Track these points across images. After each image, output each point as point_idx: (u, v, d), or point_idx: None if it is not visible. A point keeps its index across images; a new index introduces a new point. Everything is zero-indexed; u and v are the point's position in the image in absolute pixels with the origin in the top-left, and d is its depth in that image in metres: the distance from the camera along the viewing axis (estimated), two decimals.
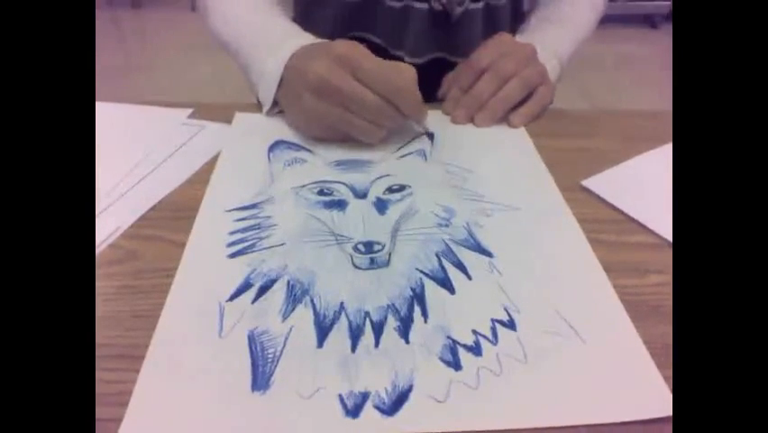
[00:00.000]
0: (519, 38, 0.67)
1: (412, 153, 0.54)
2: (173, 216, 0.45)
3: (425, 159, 0.53)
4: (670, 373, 0.33)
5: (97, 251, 0.42)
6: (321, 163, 0.52)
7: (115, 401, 0.32)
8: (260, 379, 0.33)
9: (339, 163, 0.52)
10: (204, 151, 0.54)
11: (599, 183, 0.50)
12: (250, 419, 0.31)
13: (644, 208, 0.47)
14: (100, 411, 0.30)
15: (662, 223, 0.45)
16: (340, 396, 0.32)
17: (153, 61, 2.60)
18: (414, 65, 0.51)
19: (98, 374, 0.32)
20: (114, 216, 0.45)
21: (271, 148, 0.54)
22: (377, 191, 0.47)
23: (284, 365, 0.34)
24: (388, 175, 0.50)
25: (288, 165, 0.52)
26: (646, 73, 2.56)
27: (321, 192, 0.47)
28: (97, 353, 0.34)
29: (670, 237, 0.44)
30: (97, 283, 0.39)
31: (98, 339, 0.35)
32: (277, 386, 0.32)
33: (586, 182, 0.50)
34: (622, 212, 0.47)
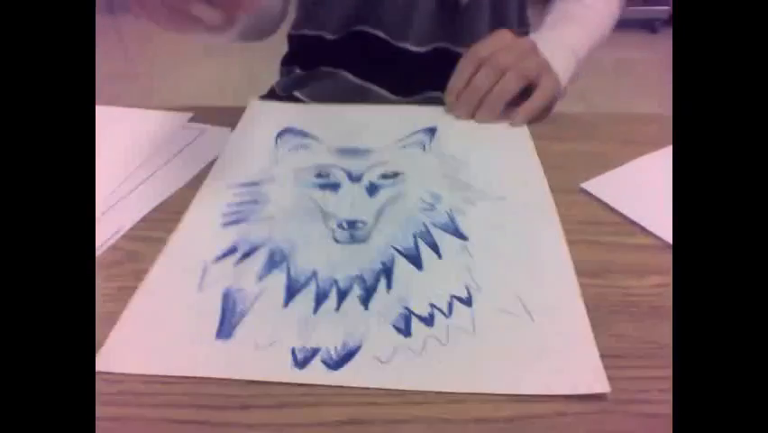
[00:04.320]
0: (535, 35, 0.67)
1: (412, 144, 0.56)
2: (173, 219, 0.45)
3: (424, 149, 0.55)
4: (670, 373, 0.33)
5: (98, 252, 0.42)
6: (324, 150, 0.54)
7: (115, 401, 0.32)
8: (225, 328, 0.36)
9: (341, 151, 0.54)
10: (204, 154, 0.54)
11: (599, 186, 0.50)
12: (209, 361, 0.34)
13: (644, 211, 0.47)
14: (100, 411, 0.31)
15: (662, 225, 0.45)
16: (292, 349, 0.35)
17: (153, 66, 2.60)
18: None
19: (98, 374, 0.32)
20: (114, 218, 0.46)
21: (280, 134, 0.57)
22: (371, 176, 0.50)
23: (249, 319, 0.37)
24: (385, 162, 0.52)
25: (291, 150, 0.54)
26: (646, 78, 2.56)
27: (318, 174, 0.50)
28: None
29: (669, 239, 0.44)
30: (98, 284, 0.39)
31: (98, 340, 0.35)
32: (238, 336, 0.36)
33: (585, 185, 0.50)
34: (621, 214, 0.47)
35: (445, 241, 0.43)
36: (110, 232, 0.44)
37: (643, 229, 0.45)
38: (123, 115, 0.60)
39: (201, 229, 0.45)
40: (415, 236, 0.44)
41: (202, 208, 0.47)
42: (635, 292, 0.39)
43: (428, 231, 0.44)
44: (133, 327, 0.36)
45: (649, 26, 3.19)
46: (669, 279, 0.41)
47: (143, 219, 0.46)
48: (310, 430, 0.31)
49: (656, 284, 0.40)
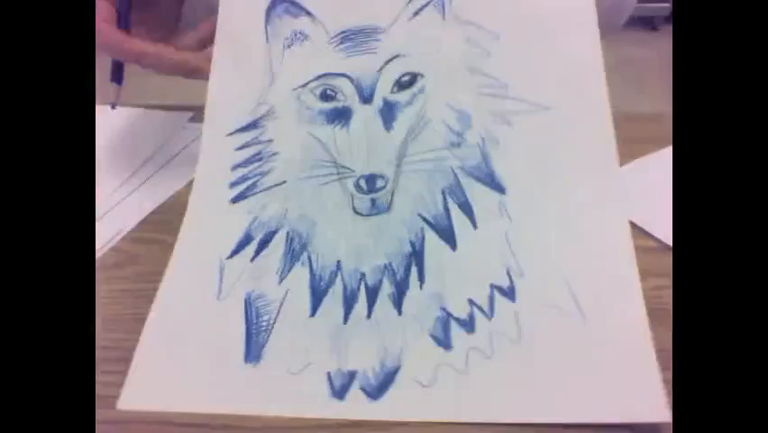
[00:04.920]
0: None
1: (428, 6, 0.42)
2: (174, 220, 0.45)
3: (443, 15, 0.42)
4: (670, 375, 0.33)
5: (98, 254, 0.42)
6: (324, 39, 0.43)
7: (115, 404, 0.32)
8: (253, 350, 0.34)
9: (344, 37, 0.42)
10: None
11: None
12: (241, 391, 0.33)
13: (644, 212, 0.46)
14: (100, 414, 0.31)
15: (662, 226, 0.45)
16: (328, 375, 0.33)
17: None
18: None
19: (98, 377, 0.32)
20: (115, 219, 0.46)
21: (269, 14, 0.44)
22: (384, 89, 0.40)
23: (277, 335, 0.35)
24: (397, 56, 0.41)
25: (288, 46, 0.44)
26: (647, 75, 2.56)
27: (324, 95, 0.41)
28: (98, 356, 0.34)
29: (669, 241, 0.44)
30: (98, 287, 0.39)
31: (99, 342, 0.35)
32: (268, 358, 0.34)
33: None
34: None
35: (479, 197, 0.37)
36: (110, 234, 0.44)
37: (643, 231, 0.45)
38: (123, 115, 0.60)
39: (210, 209, 0.40)
40: (444, 194, 0.37)
41: (208, 176, 0.42)
42: None
43: (458, 183, 0.38)
44: (155, 355, 0.34)
45: (650, 23, 3.18)
46: (669, 281, 0.40)
47: (144, 221, 0.46)
48: None
49: (656, 286, 0.40)
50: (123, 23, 0.47)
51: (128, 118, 0.60)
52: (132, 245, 0.44)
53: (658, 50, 2.88)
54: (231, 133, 0.42)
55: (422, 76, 0.40)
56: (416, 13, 0.42)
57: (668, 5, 3.07)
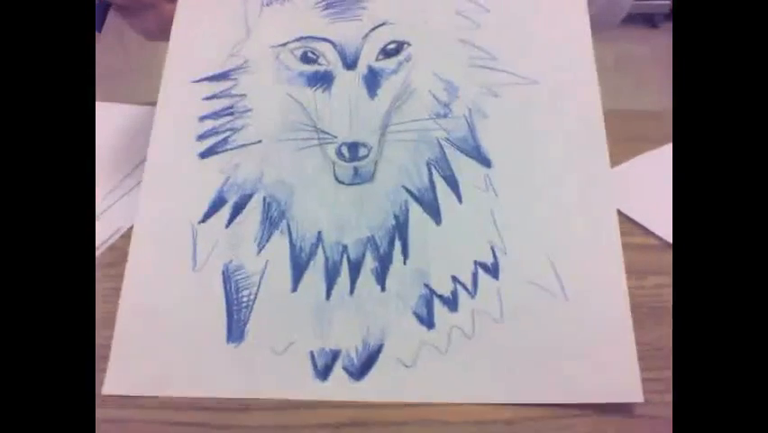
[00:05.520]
0: None
1: None
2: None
3: None
4: (670, 374, 0.33)
5: (97, 252, 0.42)
6: (307, 2, 0.41)
7: (115, 402, 0.32)
8: (235, 329, 0.33)
9: (328, 3, 0.40)
10: None
11: None
12: (226, 373, 0.32)
13: (644, 210, 0.46)
14: (100, 412, 0.31)
15: (662, 224, 0.45)
16: (311, 354, 0.33)
17: (153, 62, 2.59)
18: None
19: (98, 375, 0.32)
20: (113, 218, 0.45)
21: None
22: (369, 56, 0.39)
23: (258, 312, 0.34)
24: (384, 24, 0.40)
25: (268, 4, 0.41)
26: (647, 72, 2.55)
27: (305, 57, 0.39)
28: (97, 353, 0.34)
29: (670, 239, 0.44)
30: (97, 284, 0.39)
31: (98, 340, 0.35)
32: (250, 337, 0.33)
33: None
34: (621, 213, 0.47)
35: (465, 170, 0.36)
36: (108, 232, 0.44)
37: (643, 229, 0.45)
38: (123, 112, 0.60)
39: (176, 164, 0.37)
40: (429, 166, 0.36)
41: (169, 125, 0.38)
42: (635, 293, 0.39)
43: (444, 155, 0.37)
44: (134, 337, 0.34)
45: (649, 21, 3.18)
46: (669, 279, 0.40)
47: None
48: (311, 432, 0.31)
49: (657, 284, 0.40)
50: None
51: (127, 116, 0.60)
52: (130, 243, 0.43)
53: (658, 48, 2.88)
54: (198, 80, 0.39)
55: (409, 44, 0.39)
56: None
57: (668, 3, 3.07)
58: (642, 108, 0.65)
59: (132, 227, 0.45)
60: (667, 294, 0.39)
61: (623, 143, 0.56)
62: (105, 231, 0.44)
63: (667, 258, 0.42)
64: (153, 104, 0.55)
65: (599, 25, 0.42)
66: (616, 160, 0.53)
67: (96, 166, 0.42)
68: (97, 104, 0.55)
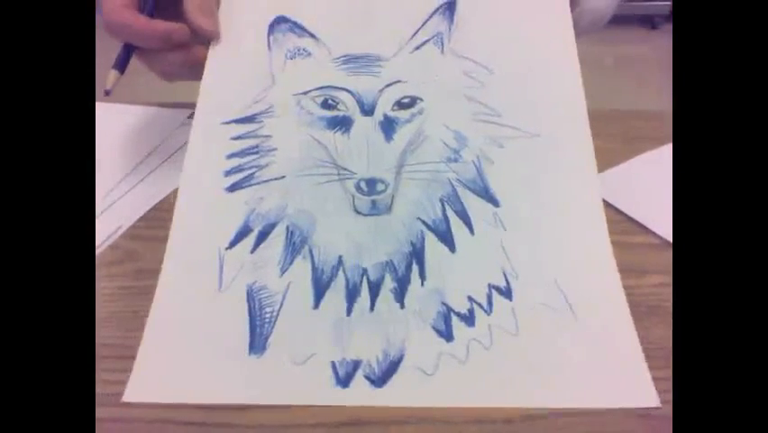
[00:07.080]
0: None
1: (428, 42, 0.45)
2: (173, 217, 0.45)
3: (442, 49, 0.45)
4: (670, 373, 0.33)
5: (97, 251, 0.42)
6: (327, 58, 0.45)
7: (115, 402, 0.32)
8: (257, 341, 0.35)
9: (347, 59, 0.44)
10: None
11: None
12: (246, 381, 0.33)
13: (644, 209, 0.46)
14: (100, 412, 0.30)
15: (662, 223, 0.45)
16: (332, 364, 0.34)
17: None
18: None
19: (98, 375, 0.32)
20: (114, 216, 0.46)
21: (272, 28, 0.46)
22: (385, 106, 0.42)
23: (280, 327, 0.35)
24: (398, 81, 0.43)
25: (291, 58, 0.45)
26: (646, 73, 2.56)
27: (325, 103, 0.42)
28: (97, 353, 0.34)
29: (670, 238, 0.44)
30: (98, 284, 0.39)
31: (98, 340, 0.35)
32: (272, 349, 0.34)
33: None
34: (622, 212, 0.47)
35: (475, 207, 0.39)
36: (109, 231, 0.44)
37: (643, 227, 0.45)
38: (122, 112, 0.60)
39: (205, 197, 0.40)
40: (442, 202, 0.39)
41: (200, 161, 0.41)
42: (635, 292, 0.39)
43: (455, 193, 0.40)
44: (159, 348, 0.35)
45: (649, 22, 3.19)
46: (669, 278, 0.41)
47: (143, 218, 0.46)
48: (310, 431, 0.31)
49: (657, 283, 0.40)
50: (149, 8, 0.45)
51: (127, 115, 0.60)
52: (131, 242, 0.43)
53: (657, 48, 2.88)
54: (227, 122, 0.42)
55: (421, 99, 0.43)
56: (418, 48, 0.45)
57: (668, 4, 3.07)
58: (642, 108, 0.64)
59: (131, 226, 0.45)
60: (667, 293, 0.39)
61: (622, 143, 0.57)
62: (105, 230, 0.44)
63: (667, 257, 0.42)
64: (153, 104, 0.55)
65: (585, 34, 0.43)
66: (616, 160, 0.53)
67: (96, 166, 0.43)
68: (97, 104, 0.55)
